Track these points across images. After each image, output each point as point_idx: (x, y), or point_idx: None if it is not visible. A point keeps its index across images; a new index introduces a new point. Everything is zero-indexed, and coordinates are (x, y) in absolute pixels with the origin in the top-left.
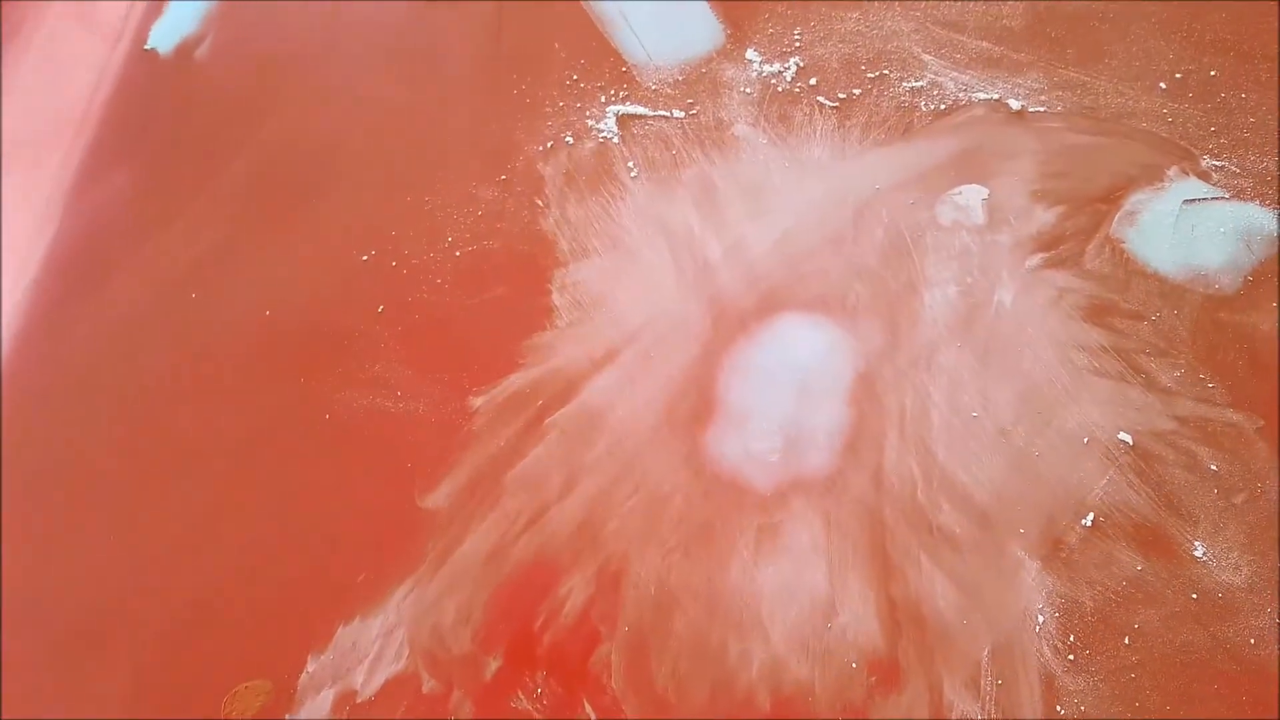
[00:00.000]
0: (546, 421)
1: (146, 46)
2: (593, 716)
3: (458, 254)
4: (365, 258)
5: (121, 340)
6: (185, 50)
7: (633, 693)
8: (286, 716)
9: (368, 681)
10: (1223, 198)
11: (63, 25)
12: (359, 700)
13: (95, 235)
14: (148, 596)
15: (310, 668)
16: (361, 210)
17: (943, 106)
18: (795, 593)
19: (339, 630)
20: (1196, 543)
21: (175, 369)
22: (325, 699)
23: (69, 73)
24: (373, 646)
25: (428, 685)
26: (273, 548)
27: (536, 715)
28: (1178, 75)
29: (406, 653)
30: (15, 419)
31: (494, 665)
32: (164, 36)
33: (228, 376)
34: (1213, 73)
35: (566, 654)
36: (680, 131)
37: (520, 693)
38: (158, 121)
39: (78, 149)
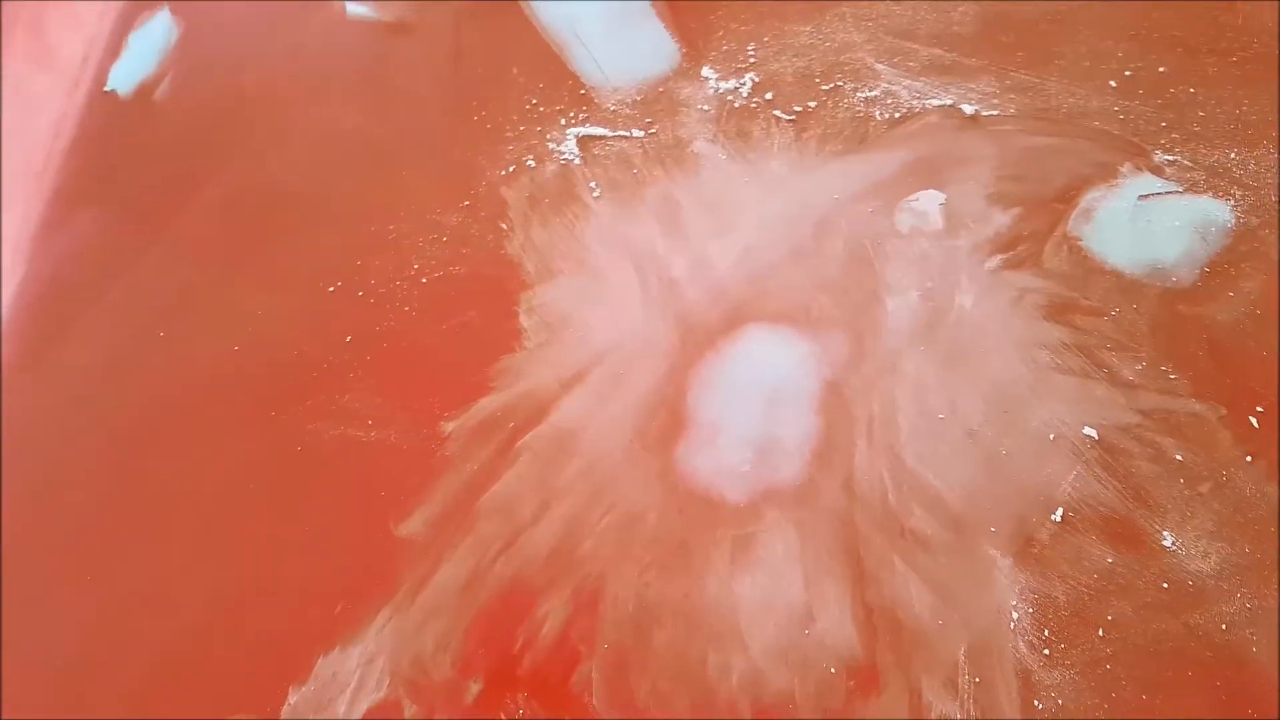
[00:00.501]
0: (518, 444)
1: (106, 89)
2: None
3: (424, 281)
4: (331, 289)
5: (91, 382)
6: (145, 91)
7: (615, 710)
8: None
9: (350, 710)
10: (1177, 191)
11: (21, 70)
12: None
13: (61, 279)
14: (125, 638)
15: (292, 699)
16: (326, 241)
17: (897, 115)
18: (772, 603)
19: (319, 661)
20: (1165, 533)
21: (145, 408)
22: None
23: (29, 117)
24: (353, 676)
25: (410, 711)
26: (249, 582)
27: None
28: (1127, 73)
29: (387, 681)
30: None
31: (475, 689)
32: (123, 78)
33: (198, 413)
34: (1161, 69)
35: (547, 675)
36: (641, 151)
37: (502, 715)
38: (120, 163)
39: (41, 194)
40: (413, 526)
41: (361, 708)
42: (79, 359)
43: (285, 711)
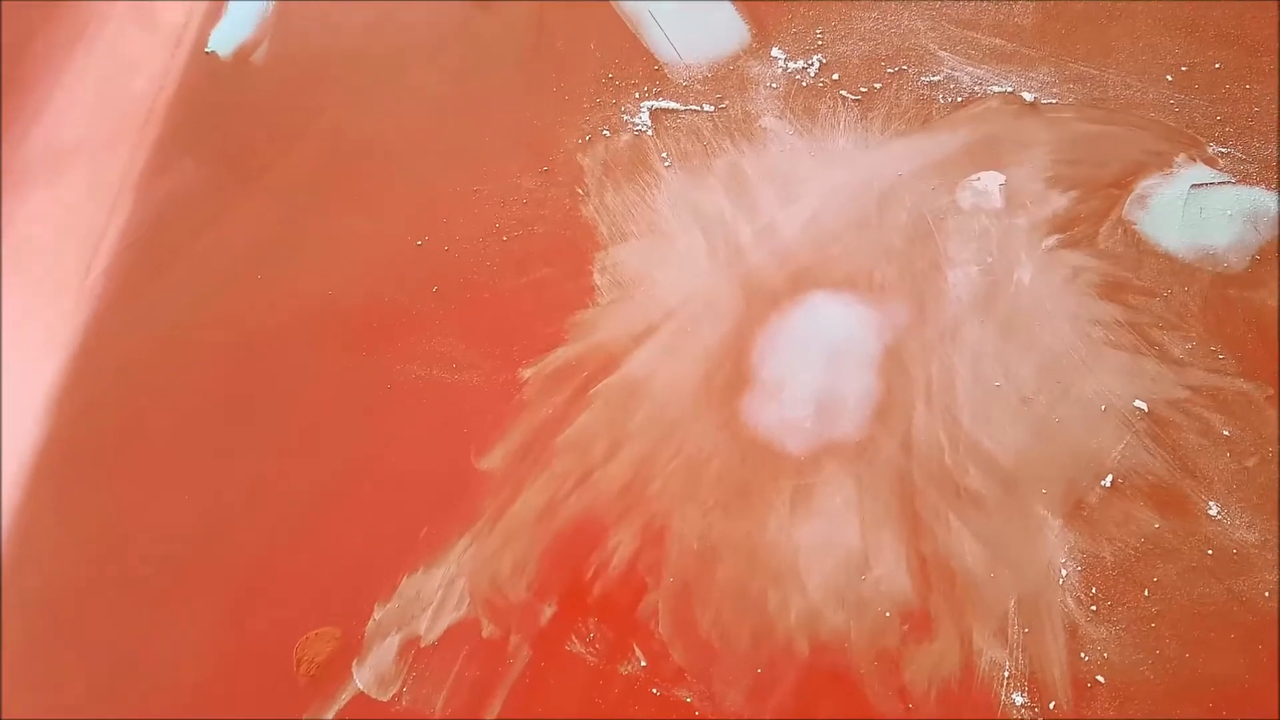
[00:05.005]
0: (591, 391)
1: (207, 49)
2: (642, 660)
3: (505, 238)
4: (419, 242)
5: (193, 316)
6: (244, 53)
7: (679, 638)
8: (354, 661)
9: (431, 628)
10: (1229, 182)
11: (125, 30)
12: (423, 645)
13: (163, 222)
14: (223, 550)
15: (377, 615)
16: (414, 199)
17: (959, 99)
18: (830, 548)
19: (403, 580)
20: (1211, 503)
21: (241, 342)
22: (391, 644)
23: (133, 74)
24: (435, 595)
25: (487, 630)
26: (340, 506)
27: (590, 658)
28: (1183, 68)
29: (467, 601)
30: (94, 390)
31: (549, 612)
32: (223, 40)
33: (293, 348)
34: (1217, 65)
35: (616, 602)
36: (710, 124)
37: (574, 637)
38: (219, 118)
39: (144, 144)
40: (492, 461)
41: (442, 625)
42: (178, 296)
43: (370, 626)
